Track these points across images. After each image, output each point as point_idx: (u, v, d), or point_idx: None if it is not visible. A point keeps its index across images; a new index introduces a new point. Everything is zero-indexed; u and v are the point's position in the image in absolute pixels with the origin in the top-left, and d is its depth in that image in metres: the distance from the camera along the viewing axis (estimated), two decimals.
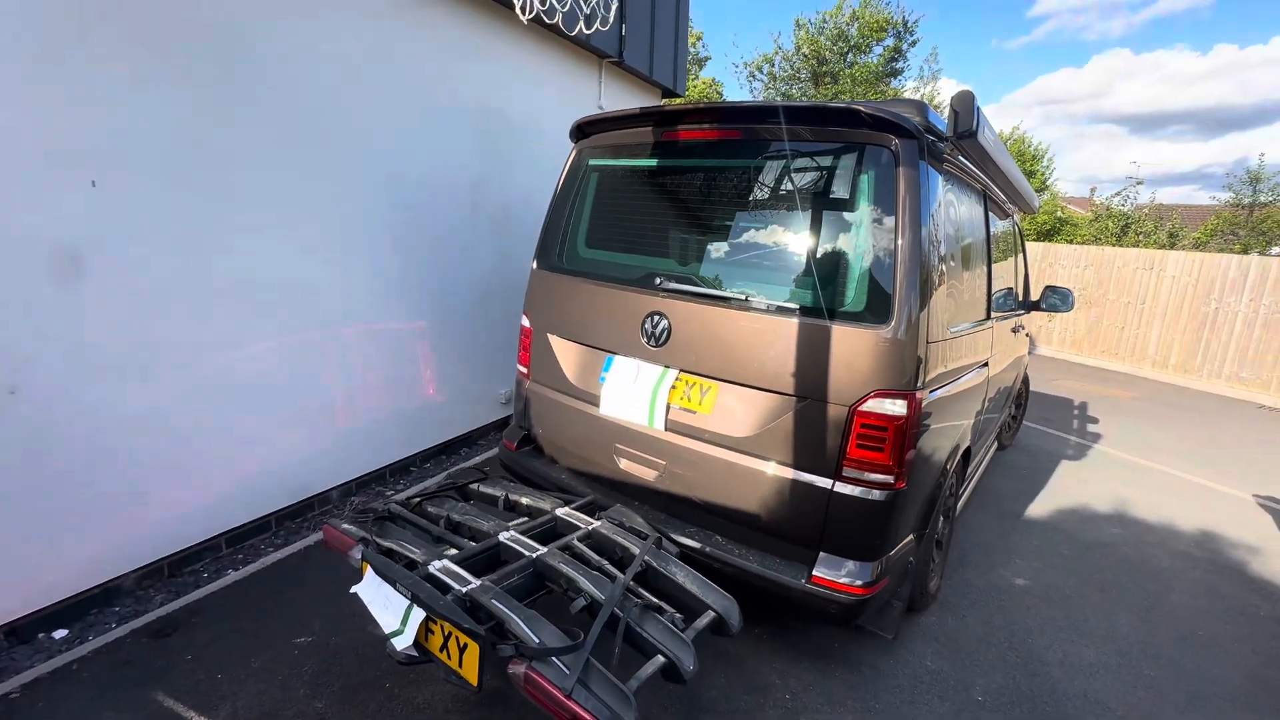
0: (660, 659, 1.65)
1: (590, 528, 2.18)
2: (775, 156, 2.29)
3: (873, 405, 2.02)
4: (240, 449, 2.92)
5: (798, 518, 2.17)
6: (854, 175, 2.12)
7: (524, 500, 2.41)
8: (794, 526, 2.18)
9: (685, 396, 2.38)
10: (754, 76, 17.65)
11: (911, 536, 2.35)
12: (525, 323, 2.99)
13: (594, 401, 2.61)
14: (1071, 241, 12.95)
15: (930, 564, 2.73)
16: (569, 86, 4.92)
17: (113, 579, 2.55)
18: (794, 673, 2.36)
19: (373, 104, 3.29)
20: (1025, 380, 5.49)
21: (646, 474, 2.50)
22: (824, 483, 2.11)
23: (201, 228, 2.61)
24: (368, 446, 3.63)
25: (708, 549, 2.28)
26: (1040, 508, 4.07)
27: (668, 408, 2.40)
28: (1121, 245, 12.17)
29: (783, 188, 2.29)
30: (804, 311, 2.13)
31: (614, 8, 2.05)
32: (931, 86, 17.03)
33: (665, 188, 2.65)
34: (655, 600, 1.86)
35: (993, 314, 3.09)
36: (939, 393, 2.28)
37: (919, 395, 2.05)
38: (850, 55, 16.61)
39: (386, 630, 1.72)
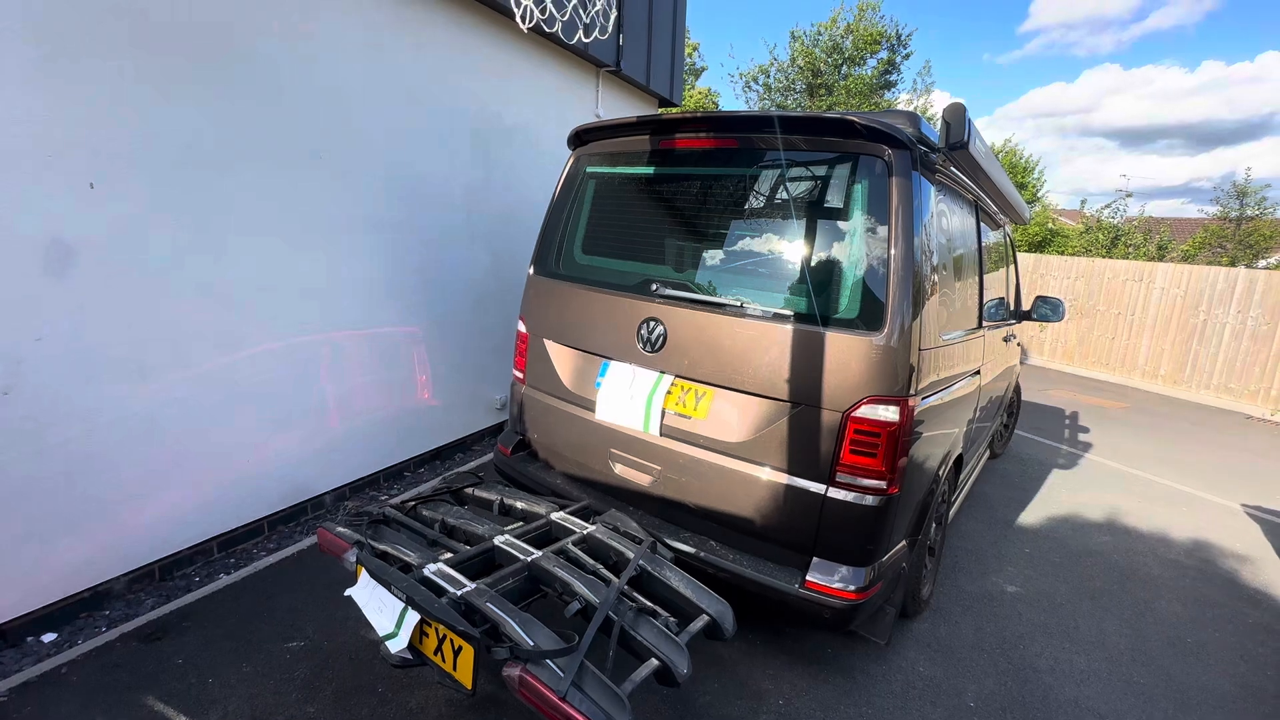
0: (654, 662, 1.65)
1: (585, 532, 2.18)
2: (770, 165, 2.32)
3: (866, 411, 2.05)
4: (233, 452, 2.92)
5: (791, 523, 2.18)
6: (848, 184, 2.16)
7: (519, 505, 2.41)
8: (788, 532, 2.20)
9: (680, 402, 2.39)
10: (749, 87, 17.80)
11: (904, 542, 2.37)
12: (521, 328, 3.00)
13: (590, 407, 2.62)
14: (1062, 253, 13.08)
15: (923, 570, 2.75)
16: (567, 95, 4.96)
17: (103, 582, 2.53)
18: (787, 679, 2.36)
19: (370, 111, 3.31)
20: (1017, 389, 5.54)
21: (642, 479, 2.51)
22: (817, 488, 2.12)
23: (197, 232, 2.62)
24: (361, 450, 3.62)
25: (702, 554, 2.29)
26: (1032, 515, 4.10)
27: (663, 413, 2.41)
28: (1111, 257, 12.31)
29: (777, 196, 2.32)
30: (798, 318, 2.15)
31: (613, 17, 2.07)
32: (925, 99, 17.22)
33: (662, 195, 2.68)
34: (649, 604, 1.86)
35: (984, 323, 3.13)
36: (931, 400, 2.31)
37: (911, 402, 2.08)
38: (845, 67, 16.79)
39: (381, 633, 1.72)
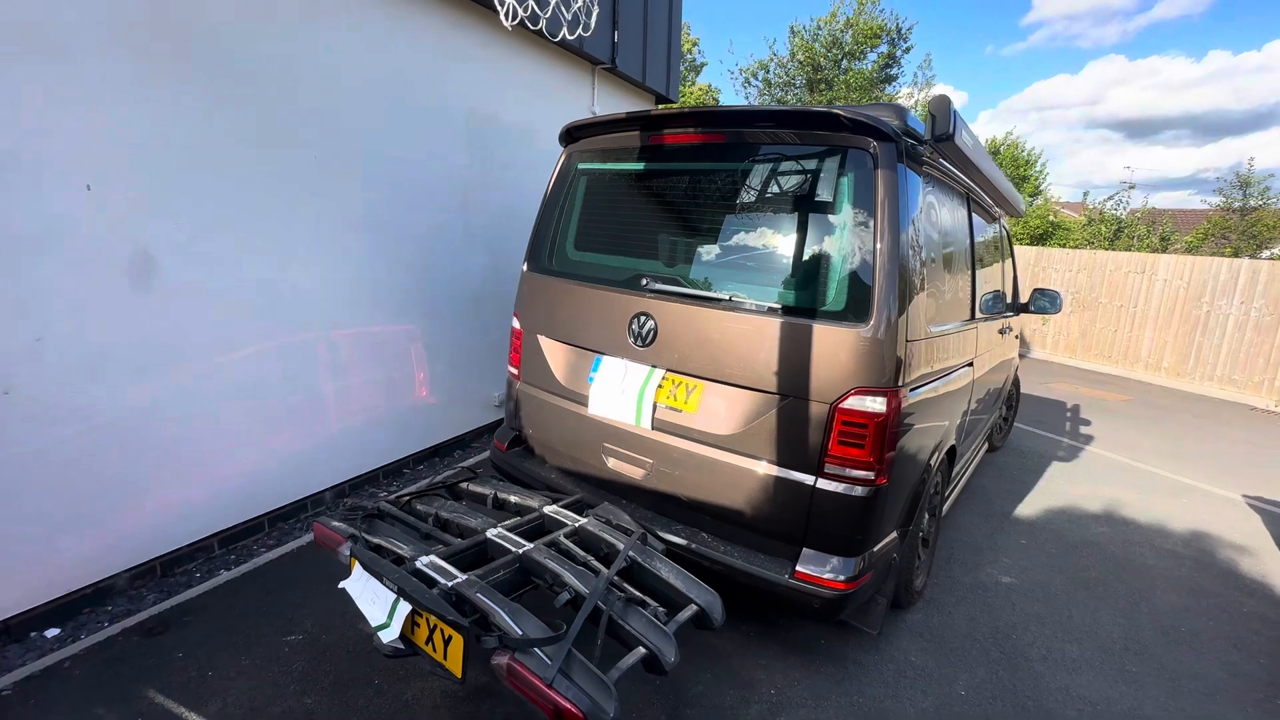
0: (641, 650, 1.68)
1: (577, 525, 2.21)
2: (758, 160, 2.33)
3: (853, 403, 2.06)
4: (233, 450, 2.95)
5: (781, 514, 2.20)
6: (834, 177, 2.17)
7: (512, 498, 2.44)
8: (778, 523, 2.22)
9: (671, 396, 2.41)
10: (749, 83, 17.76)
11: (895, 533, 2.39)
12: (516, 324, 3.02)
13: (583, 401, 2.65)
14: (1064, 246, 13.03)
15: (916, 561, 2.76)
16: (562, 93, 4.97)
17: (105, 578, 2.57)
18: (779, 669, 2.38)
19: (366, 111, 3.33)
20: (1016, 382, 5.53)
21: (634, 473, 2.53)
22: (807, 479, 2.14)
23: (197, 232, 2.65)
24: (361, 448, 3.66)
25: (694, 546, 2.31)
26: (1029, 508, 4.10)
27: (654, 407, 2.43)
28: (1115, 249, 12.26)
29: (765, 190, 2.33)
30: (786, 311, 2.17)
31: (594, 14, 2.09)
32: (925, 93, 17.14)
33: (651, 191, 2.69)
34: (639, 594, 1.89)
35: (977, 315, 3.13)
36: (921, 391, 2.32)
37: (899, 393, 2.09)
38: (845, 62, 16.74)
39: (374, 624, 1.75)
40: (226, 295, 2.80)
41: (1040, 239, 13.58)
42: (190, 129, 2.57)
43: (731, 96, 22.68)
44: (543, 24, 2.05)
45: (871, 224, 2.06)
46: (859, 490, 2.10)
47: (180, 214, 2.59)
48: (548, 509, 2.33)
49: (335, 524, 2.11)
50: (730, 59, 36.23)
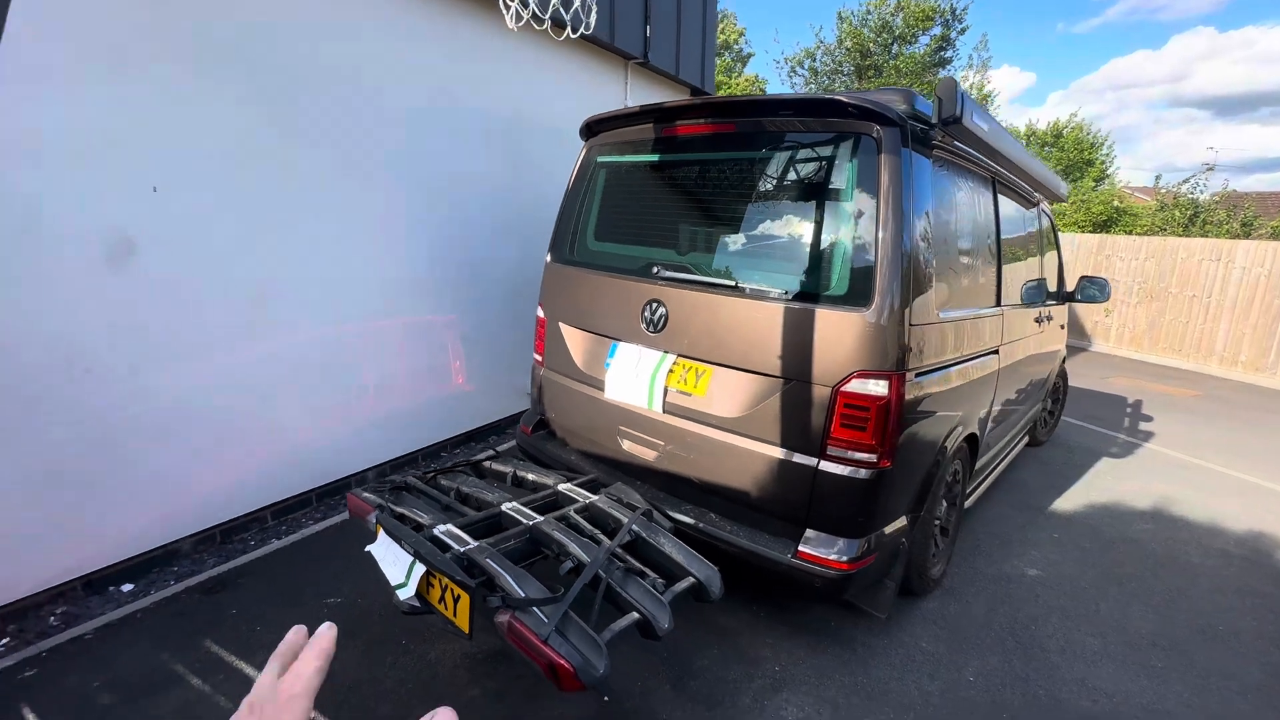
0: (635, 615, 1.77)
1: (587, 501, 2.32)
2: (764, 148, 2.37)
3: (855, 386, 2.09)
4: (286, 431, 3.21)
5: (785, 495, 2.25)
6: (838, 163, 2.19)
7: (530, 476, 2.58)
8: (782, 504, 2.27)
9: (682, 380, 2.49)
10: (794, 72, 17.44)
11: (904, 518, 2.39)
12: (540, 313, 3.16)
13: (600, 386, 2.75)
14: (1130, 232, 12.27)
15: (932, 549, 2.75)
16: (594, 88, 5.08)
17: (172, 542, 2.85)
18: (786, 648, 2.43)
19: (406, 116, 3.52)
20: (1063, 375, 5.32)
21: (647, 454, 2.62)
22: (809, 461, 2.18)
23: (254, 229, 2.89)
24: (401, 431, 3.88)
25: (701, 525, 2.38)
26: (1068, 503, 3.97)
27: (665, 391, 2.51)
28: (1189, 235, 11.46)
29: (772, 178, 2.37)
30: (789, 296, 2.21)
31: (594, 12, 2.17)
32: (981, 75, 16.43)
33: (665, 181, 2.77)
34: (638, 565, 1.98)
35: (1004, 302, 3.06)
36: (931, 377, 2.32)
37: (904, 377, 2.10)
38: (895, 46, 16.22)
39: (393, 583, 1.91)
40: (277, 287, 3.04)
41: (1104, 225, 12.82)
42: (247, 136, 2.80)
43: (777, 86, 22.30)
44: (547, 25, 2.15)
45: (874, 208, 2.08)
46: (862, 473, 2.13)
47: (240, 213, 2.83)
48: (561, 486, 2.45)
49: (366, 495, 2.29)
50: (776, 48, 35.55)
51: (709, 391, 2.41)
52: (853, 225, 2.13)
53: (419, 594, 1.87)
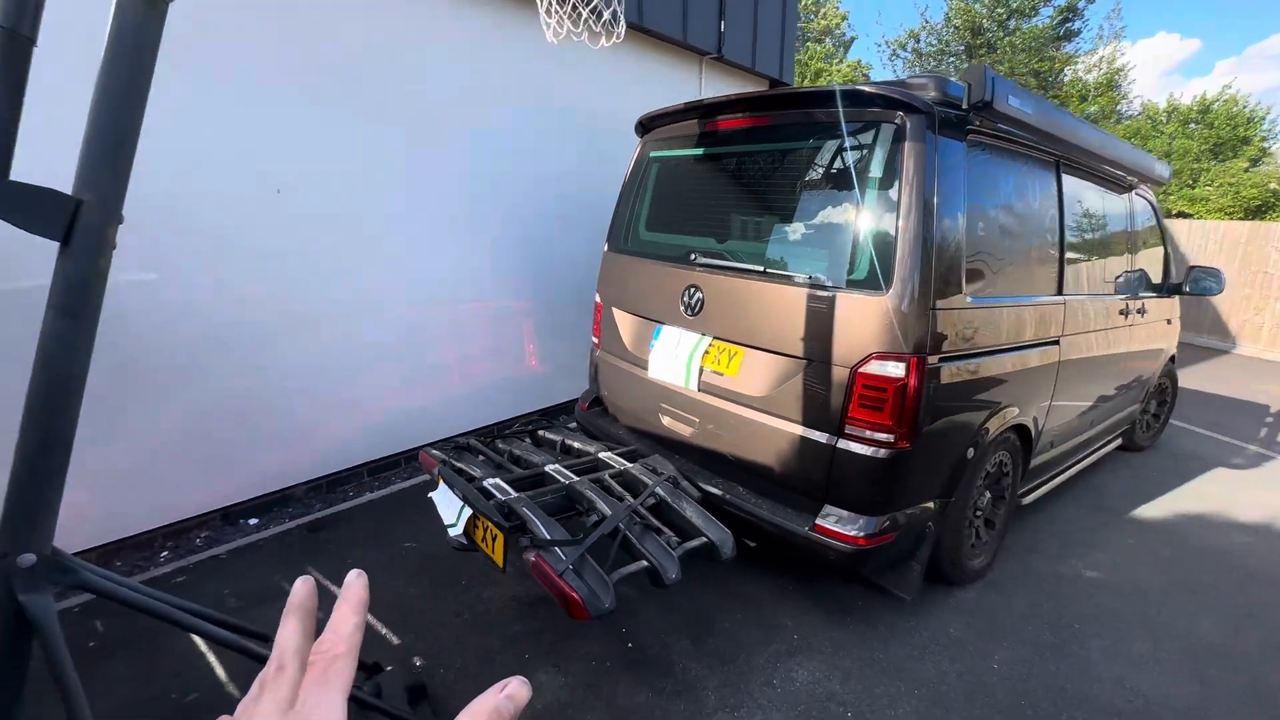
0: (644, 563, 1.98)
1: (622, 468, 2.55)
2: (796, 139, 2.47)
3: (873, 368, 2.16)
4: (383, 399, 3.69)
5: (806, 471, 2.36)
6: (864, 151, 2.25)
7: (576, 444, 2.85)
8: (803, 479, 2.37)
9: (716, 360, 2.64)
10: (896, 55, 16.60)
11: (932, 503, 2.41)
12: (597, 299, 3.42)
13: (645, 366, 2.96)
14: None
15: (970, 539, 2.72)
16: (668, 85, 5.27)
17: (289, 487, 3.40)
18: (808, 620, 2.53)
19: (490, 115, 3.90)
20: (1171, 376, 4.86)
21: (684, 430, 2.80)
22: (828, 439, 2.28)
23: (360, 224, 3.36)
24: (480, 404, 4.30)
25: (728, 496, 2.54)
26: (1154, 509, 3.68)
27: (701, 371, 2.68)
28: None
29: (802, 167, 2.46)
30: (814, 280, 2.31)
31: (622, 23, 2.35)
32: (1113, 47, 14.81)
33: (707, 173, 2.92)
34: (656, 523, 2.18)
35: (1067, 291, 2.93)
36: (962, 362, 2.32)
37: (925, 361, 2.14)
38: (1011, 21, 15.00)
39: (446, 523, 2.24)
40: (378, 275, 3.51)
41: (1258, 212, 11.17)
42: (359, 145, 3.27)
43: (880, 72, 21.29)
44: (585, 36, 2.37)
45: (897, 194, 2.13)
46: (880, 452, 2.19)
47: (346, 210, 3.30)
48: (602, 454, 2.69)
49: (434, 451, 2.65)
50: (877, 31, 33.75)
51: (740, 372, 2.56)
52: (876, 211, 2.19)
53: (466, 533, 2.18)
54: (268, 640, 1.41)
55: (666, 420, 2.89)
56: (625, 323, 3.16)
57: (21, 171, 1.10)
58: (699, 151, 2.91)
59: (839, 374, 2.23)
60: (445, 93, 3.66)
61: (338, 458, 3.59)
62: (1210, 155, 13.17)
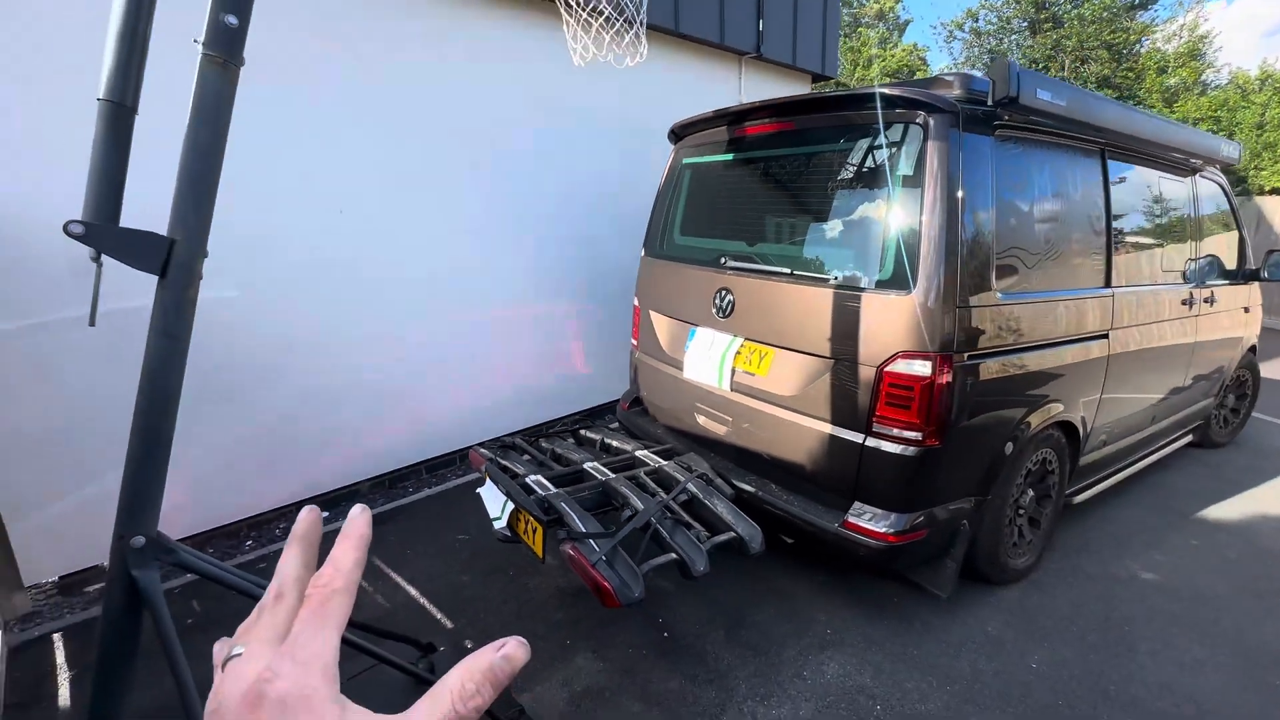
0: (673, 555, 2.08)
1: (657, 465, 2.66)
2: (822, 143, 2.51)
3: (899, 366, 2.18)
4: (438, 401, 3.94)
5: (835, 469, 2.40)
6: (889, 152, 2.27)
7: (614, 443, 2.98)
8: (832, 477, 2.42)
9: (748, 361, 2.71)
10: (953, 36, 15.94)
11: (968, 501, 2.41)
12: (635, 303, 3.54)
13: (680, 367, 3.06)
14: None
15: (1011, 538, 2.69)
16: (707, 87, 5.32)
17: (355, 483, 3.69)
18: (842, 615, 2.57)
19: (536, 129, 4.08)
20: (1251, 366, 4.55)
21: (719, 429, 2.89)
22: (857, 437, 2.31)
23: (418, 238, 3.61)
24: (531, 405, 4.50)
25: (760, 493, 2.60)
26: (1226, 510, 3.49)
27: (733, 371, 2.76)
28: None
29: (828, 170, 2.50)
30: (840, 281, 2.35)
31: (644, 42, 2.44)
32: (1195, 13, 13.71)
33: (736, 178, 2.98)
34: (687, 518, 2.28)
35: (1116, 283, 2.83)
36: (995, 359, 2.31)
37: (951, 359, 2.15)
38: None
39: (491, 516, 2.41)
40: (433, 284, 3.75)
41: None
42: (412, 165, 3.51)
43: (936, 54, 20.49)
44: (610, 57, 2.48)
45: (921, 193, 2.15)
46: (909, 450, 2.21)
47: (406, 227, 3.56)
48: (639, 452, 2.81)
49: (481, 450, 2.84)
50: (934, 12, 32.35)
51: (770, 372, 2.62)
52: (900, 210, 2.21)
53: (509, 526, 2.35)
54: None
55: (702, 419, 2.98)
56: (662, 325, 3.27)
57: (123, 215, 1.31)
58: (728, 157, 2.98)
59: (866, 373, 2.26)
60: (496, 111, 3.87)
61: (398, 456, 3.86)
62: None
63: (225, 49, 1.26)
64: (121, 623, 1.35)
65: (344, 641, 0.37)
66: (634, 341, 3.58)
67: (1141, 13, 14.13)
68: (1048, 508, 2.84)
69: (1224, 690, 2.17)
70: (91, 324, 1.28)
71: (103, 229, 1.22)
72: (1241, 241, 4.10)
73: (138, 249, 1.24)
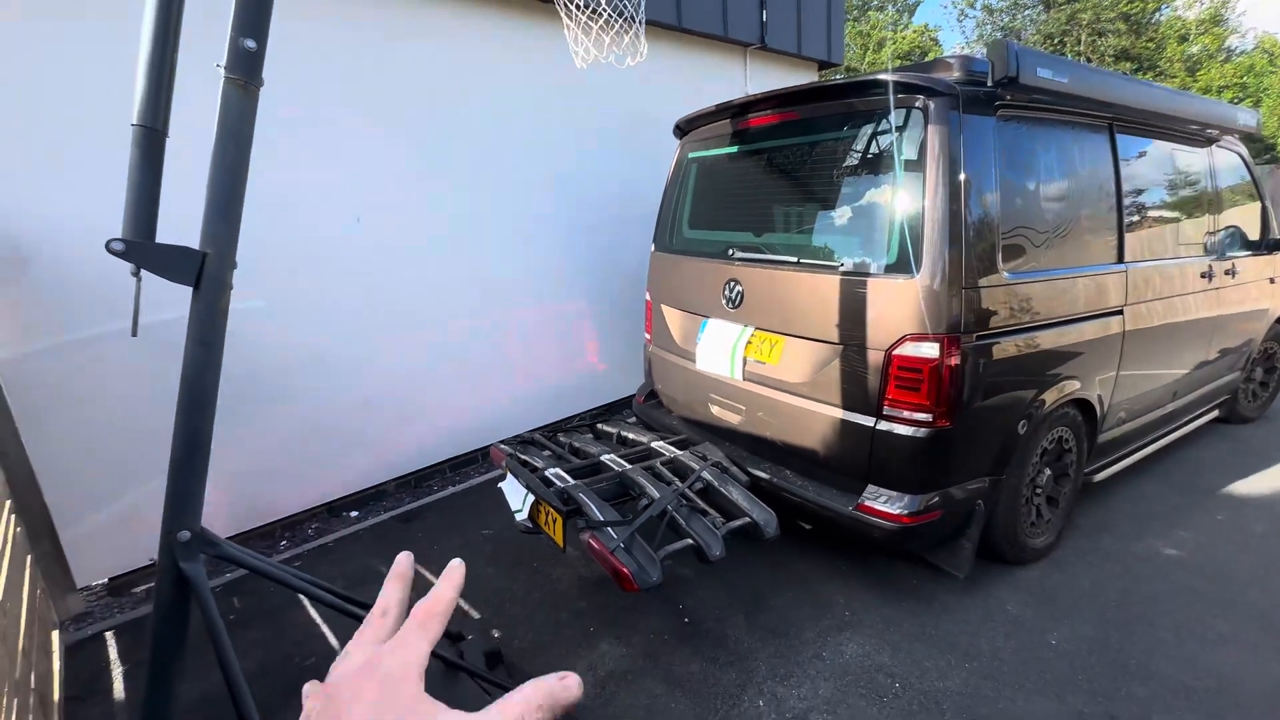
0: (689, 541, 2.14)
1: (673, 455, 2.71)
2: (824, 131, 2.53)
3: (907, 349, 2.21)
4: (461, 401, 4.03)
5: (847, 453, 2.43)
6: (891, 137, 2.29)
7: (630, 435, 3.04)
8: (845, 461, 2.45)
9: (759, 350, 2.75)
10: (964, 14, 15.68)
11: (982, 481, 2.42)
12: (648, 297, 3.59)
13: (693, 359, 3.11)
14: None
15: (1030, 517, 2.69)
16: (713, 79, 5.34)
17: (382, 483, 3.80)
18: (861, 597, 2.60)
19: (548, 131, 4.15)
20: (1279, 339, 4.45)
21: (732, 418, 2.93)
22: (868, 421, 2.34)
23: (433, 239, 3.70)
24: (550, 402, 4.57)
25: (774, 480, 2.65)
26: (1253, 485, 3.43)
27: (745, 360, 2.80)
28: None
29: (831, 158, 2.52)
30: (846, 267, 2.37)
31: (644, 42, 2.48)
32: None
33: (742, 170, 3.02)
34: (703, 506, 2.34)
35: (1129, 258, 2.81)
36: (1004, 338, 2.32)
37: (958, 340, 2.17)
38: None
39: (513, 509, 2.49)
40: (452, 288, 3.84)
41: None
42: (431, 169, 3.61)
43: (949, 34, 20.14)
44: (612, 58, 2.53)
45: (923, 178, 2.17)
46: (920, 432, 2.24)
47: (420, 230, 3.65)
48: (655, 443, 2.87)
49: (502, 446, 2.93)
50: None
51: (781, 360, 2.65)
52: (903, 195, 2.23)
53: (530, 518, 2.42)
54: (369, 607, 1.68)
55: (716, 409, 3.02)
56: (674, 318, 3.32)
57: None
58: (733, 150, 3.02)
59: (875, 357, 2.29)
60: (510, 113, 3.94)
61: (423, 455, 3.96)
62: None
63: (245, 71, 1.34)
64: (171, 612, 1.44)
65: None
66: (647, 335, 3.64)
67: None
68: (1066, 486, 2.83)
69: (1248, 663, 2.16)
70: (134, 334, 1.37)
71: (141, 246, 1.31)
72: (1264, 211, 4.02)
73: (173, 263, 1.32)
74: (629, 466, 2.59)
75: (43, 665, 2.07)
